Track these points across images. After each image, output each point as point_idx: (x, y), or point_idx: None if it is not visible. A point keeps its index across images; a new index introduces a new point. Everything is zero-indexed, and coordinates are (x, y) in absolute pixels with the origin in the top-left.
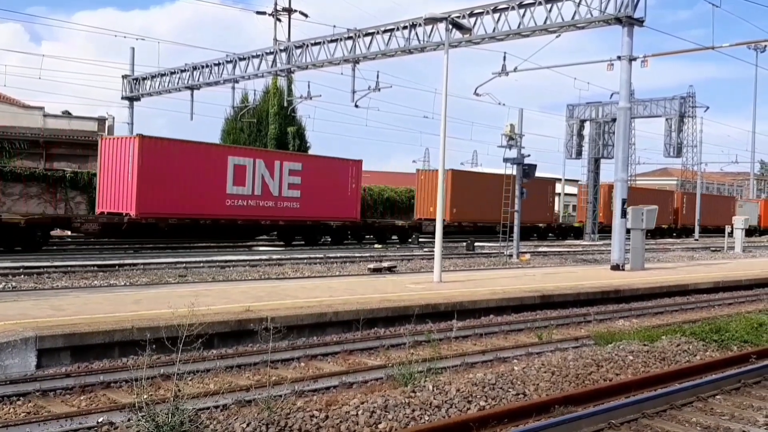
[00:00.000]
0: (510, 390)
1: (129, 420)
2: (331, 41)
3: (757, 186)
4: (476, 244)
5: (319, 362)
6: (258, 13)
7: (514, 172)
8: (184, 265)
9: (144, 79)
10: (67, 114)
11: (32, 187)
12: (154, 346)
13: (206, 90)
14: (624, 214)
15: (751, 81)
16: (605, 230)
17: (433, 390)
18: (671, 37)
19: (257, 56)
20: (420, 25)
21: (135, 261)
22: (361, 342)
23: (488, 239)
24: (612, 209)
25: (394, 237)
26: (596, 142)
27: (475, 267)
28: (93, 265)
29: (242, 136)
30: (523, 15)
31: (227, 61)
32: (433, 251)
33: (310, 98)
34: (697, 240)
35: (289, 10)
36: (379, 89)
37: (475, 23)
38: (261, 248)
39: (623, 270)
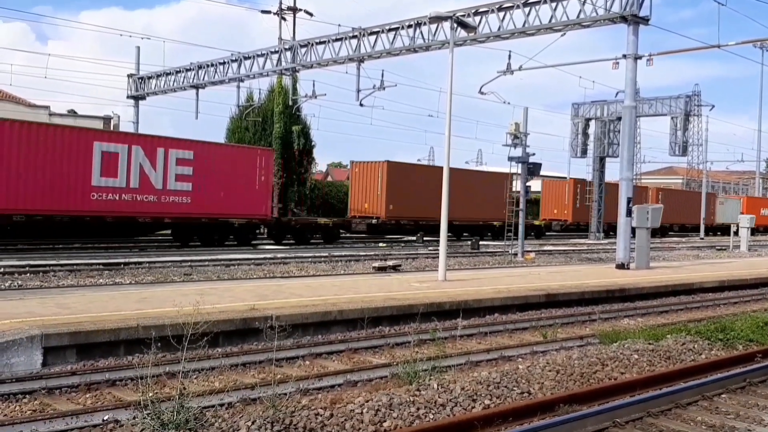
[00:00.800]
0: (515, 389)
1: (134, 418)
2: (336, 40)
3: (763, 185)
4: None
5: (324, 360)
6: (263, 12)
7: (519, 171)
8: (189, 263)
9: (149, 78)
10: (72, 113)
11: None
12: (159, 344)
13: (211, 89)
14: (629, 212)
15: (756, 79)
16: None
17: (438, 388)
18: (675, 35)
19: (262, 55)
20: (425, 23)
21: (140, 259)
22: (365, 340)
23: (433, 238)
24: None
25: (318, 236)
26: (601, 140)
27: (480, 266)
28: (98, 264)
29: (247, 135)
30: (528, 13)
31: (232, 60)
32: (437, 250)
33: (315, 97)
34: (702, 239)
35: (294, 9)
36: (384, 88)
37: (480, 22)
38: (265, 246)
39: (628, 269)
